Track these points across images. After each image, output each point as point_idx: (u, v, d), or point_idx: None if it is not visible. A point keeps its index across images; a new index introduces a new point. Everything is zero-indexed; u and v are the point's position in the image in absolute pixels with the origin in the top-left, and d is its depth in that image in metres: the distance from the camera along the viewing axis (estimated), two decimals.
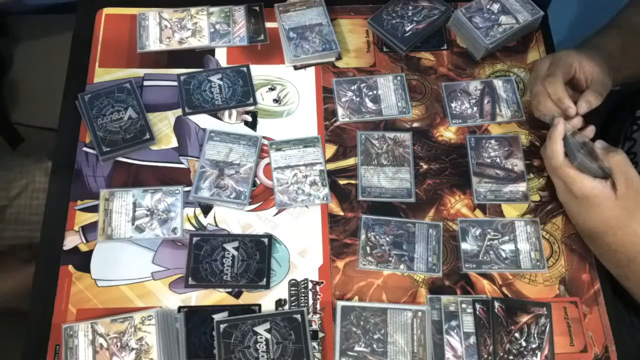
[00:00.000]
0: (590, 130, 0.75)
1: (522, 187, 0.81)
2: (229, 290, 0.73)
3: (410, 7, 0.92)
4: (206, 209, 0.78)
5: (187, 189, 0.79)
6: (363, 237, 0.77)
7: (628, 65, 0.80)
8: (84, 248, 0.75)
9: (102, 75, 0.86)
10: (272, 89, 0.87)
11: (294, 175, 0.79)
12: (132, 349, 0.66)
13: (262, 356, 0.67)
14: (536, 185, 0.81)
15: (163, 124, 0.84)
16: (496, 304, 0.72)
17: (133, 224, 0.75)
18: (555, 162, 0.72)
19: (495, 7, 0.90)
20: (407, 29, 0.90)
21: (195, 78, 0.86)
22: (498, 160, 0.83)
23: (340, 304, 0.72)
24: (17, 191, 0.93)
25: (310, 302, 0.73)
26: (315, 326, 0.72)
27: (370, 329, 0.71)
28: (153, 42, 0.89)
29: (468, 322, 0.72)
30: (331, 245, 0.77)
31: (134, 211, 0.76)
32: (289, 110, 0.86)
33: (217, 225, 0.77)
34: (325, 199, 0.79)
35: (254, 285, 0.73)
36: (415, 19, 0.91)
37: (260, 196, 0.79)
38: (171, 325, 0.69)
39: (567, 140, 0.72)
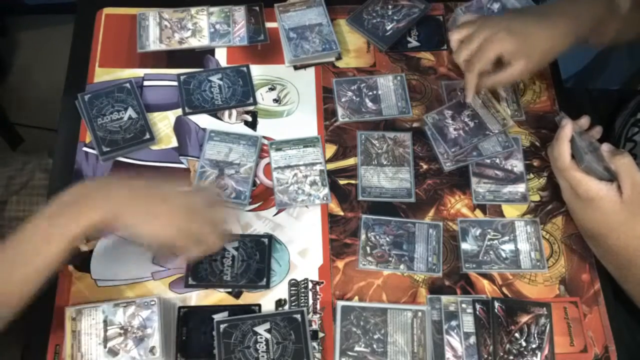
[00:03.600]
0: (597, 131, 0.75)
1: (521, 188, 0.81)
2: (229, 290, 0.73)
3: (390, 6, 0.92)
4: None
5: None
6: (363, 237, 0.77)
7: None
8: (84, 248, 0.75)
9: (102, 75, 0.86)
10: (272, 89, 0.87)
11: (294, 175, 0.79)
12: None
13: (262, 356, 0.67)
14: (536, 185, 0.81)
15: (163, 124, 0.84)
16: (496, 304, 0.72)
17: (105, 347, 0.66)
18: (562, 163, 0.72)
19: (496, 6, 0.90)
20: (388, 27, 0.90)
21: (195, 78, 0.86)
22: (498, 160, 0.82)
23: (340, 304, 0.72)
24: (16, 188, 0.93)
25: (310, 302, 0.73)
26: (315, 326, 0.72)
27: (370, 329, 0.71)
28: (153, 42, 0.89)
29: (468, 322, 0.72)
30: (331, 245, 0.77)
31: (105, 331, 0.66)
32: (289, 110, 0.86)
33: None
34: (325, 199, 0.79)
35: (254, 285, 0.73)
36: (395, 17, 0.91)
37: (260, 196, 0.79)
38: (167, 312, 0.70)
39: (575, 142, 0.72)
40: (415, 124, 0.85)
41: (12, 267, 0.60)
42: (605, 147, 0.71)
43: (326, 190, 0.79)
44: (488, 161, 0.82)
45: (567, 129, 0.72)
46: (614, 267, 0.72)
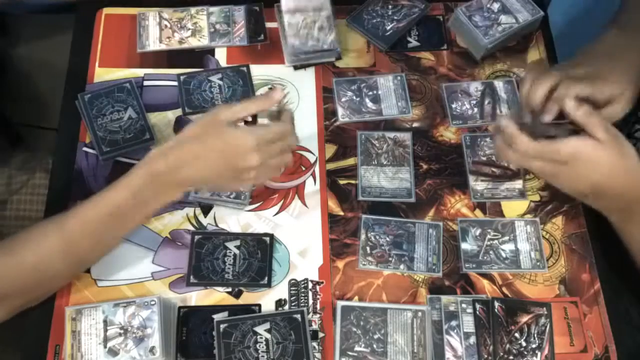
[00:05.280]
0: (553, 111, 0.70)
1: (518, 184, 0.81)
2: (229, 290, 0.73)
3: (390, 6, 0.92)
4: (206, 209, 0.78)
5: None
6: (363, 237, 0.77)
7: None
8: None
9: (102, 75, 0.86)
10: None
11: (304, 19, 0.82)
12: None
13: (262, 356, 0.67)
14: (536, 185, 0.81)
15: (163, 124, 0.84)
16: (496, 304, 0.72)
17: (105, 347, 0.66)
18: (525, 148, 0.67)
19: (496, 6, 0.90)
20: (388, 27, 0.90)
21: (195, 78, 0.86)
22: (494, 158, 0.83)
23: (340, 304, 0.72)
24: (17, 187, 0.93)
25: (310, 302, 0.73)
26: (315, 326, 0.72)
27: (370, 329, 0.71)
28: (153, 42, 0.89)
29: (468, 322, 0.72)
30: (331, 245, 0.77)
31: (105, 331, 0.67)
32: None
33: (217, 225, 0.77)
34: (332, 45, 0.84)
35: (255, 284, 0.73)
36: (395, 17, 0.91)
37: (260, 196, 0.79)
38: (167, 312, 0.70)
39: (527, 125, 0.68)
40: (415, 124, 0.85)
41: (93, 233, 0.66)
42: (570, 104, 0.67)
43: (333, 36, 0.84)
44: (484, 159, 0.82)
45: (510, 127, 0.68)
46: (618, 217, 0.69)
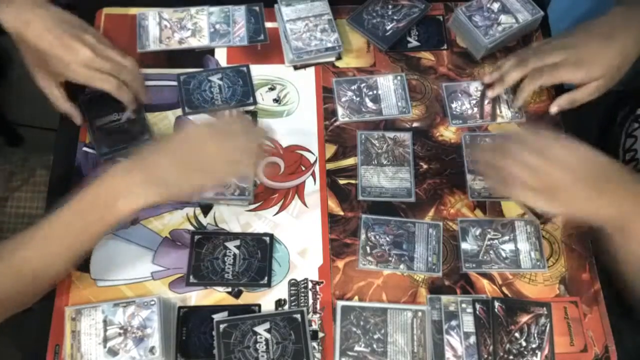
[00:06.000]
0: None
1: None
2: (229, 290, 0.73)
3: (390, 6, 0.92)
4: (206, 209, 0.78)
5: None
6: (363, 237, 0.77)
7: None
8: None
9: None
10: (272, 89, 0.87)
11: (306, 25, 0.85)
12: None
13: (262, 356, 0.67)
14: None
15: (163, 124, 0.84)
16: (496, 304, 0.72)
17: (105, 347, 0.66)
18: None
19: (496, 6, 0.90)
20: (388, 27, 0.90)
21: (195, 78, 0.86)
22: None
23: (340, 304, 0.72)
24: (17, 184, 0.93)
25: (310, 302, 0.73)
26: (315, 326, 0.72)
27: (370, 329, 0.71)
28: (153, 42, 0.88)
29: (468, 322, 0.72)
30: (331, 245, 0.77)
31: (105, 331, 0.67)
32: (289, 110, 0.86)
33: (216, 225, 0.77)
34: (336, 41, 0.86)
35: (255, 284, 0.73)
36: (395, 17, 0.91)
37: (261, 196, 0.79)
38: (167, 312, 0.70)
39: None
40: (415, 124, 0.85)
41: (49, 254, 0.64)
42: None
43: (336, 35, 0.86)
44: None
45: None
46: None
